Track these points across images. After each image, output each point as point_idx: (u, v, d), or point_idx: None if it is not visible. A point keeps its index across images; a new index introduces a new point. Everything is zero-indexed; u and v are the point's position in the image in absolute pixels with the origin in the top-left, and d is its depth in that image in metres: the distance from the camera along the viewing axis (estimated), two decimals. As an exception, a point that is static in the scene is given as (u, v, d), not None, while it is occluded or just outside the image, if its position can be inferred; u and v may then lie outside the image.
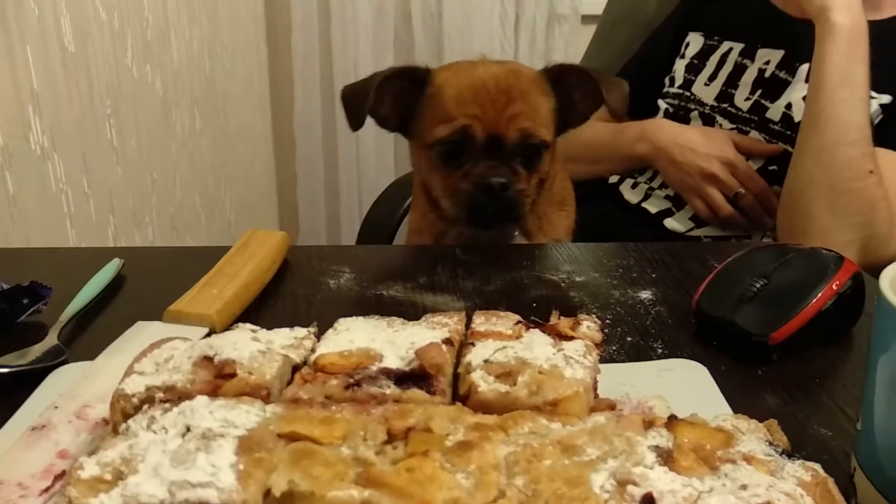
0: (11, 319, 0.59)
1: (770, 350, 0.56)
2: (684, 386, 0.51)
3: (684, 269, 0.73)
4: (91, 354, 0.54)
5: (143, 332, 0.57)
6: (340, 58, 2.08)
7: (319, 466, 0.34)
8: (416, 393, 0.41)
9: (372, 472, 0.34)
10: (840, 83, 0.93)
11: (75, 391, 0.48)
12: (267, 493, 0.33)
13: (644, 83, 1.15)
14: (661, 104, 1.18)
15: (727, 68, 1.12)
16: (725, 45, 1.14)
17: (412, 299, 0.67)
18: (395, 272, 0.72)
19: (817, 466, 0.35)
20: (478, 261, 0.74)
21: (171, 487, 0.32)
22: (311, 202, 2.22)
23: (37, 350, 0.55)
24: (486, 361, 0.42)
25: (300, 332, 0.47)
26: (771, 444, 0.37)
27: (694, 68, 1.16)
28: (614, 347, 0.58)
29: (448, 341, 0.44)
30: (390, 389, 0.41)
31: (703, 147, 1.08)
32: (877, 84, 0.96)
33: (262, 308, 0.65)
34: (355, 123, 0.81)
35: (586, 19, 2.11)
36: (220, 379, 0.41)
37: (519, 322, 0.48)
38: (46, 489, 0.40)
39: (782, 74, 1.07)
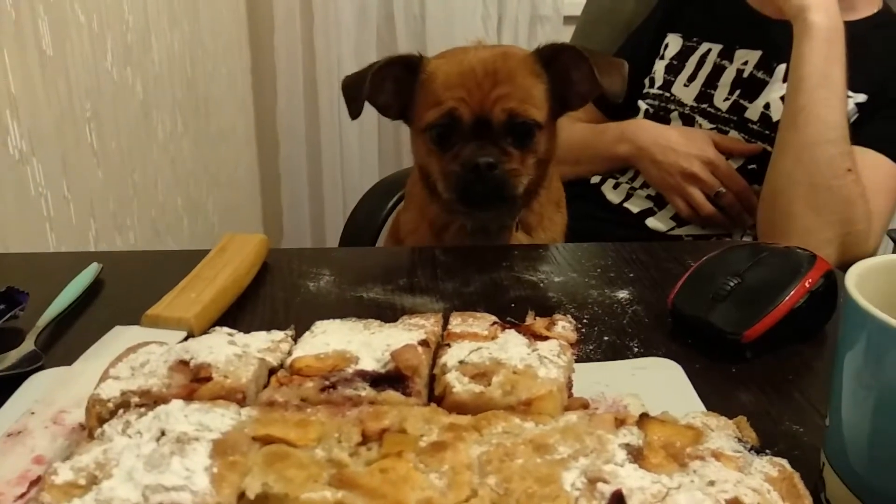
0: (-12, 325, 0.59)
1: (744, 348, 0.57)
2: (658, 384, 0.51)
3: (662, 269, 0.73)
4: (68, 359, 0.54)
5: (121, 337, 0.57)
6: (323, 60, 2.07)
7: (293, 469, 0.34)
8: (391, 395, 0.41)
9: (345, 473, 0.34)
10: (819, 83, 0.94)
11: (52, 397, 0.48)
12: (241, 495, 0.33)
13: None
14: (642, 105, 1.19)
15: (706, 69, 1.13)
16: (704, 47, 1.15)
17: (391, 301, 0.67)
18: (375, 274, 0.72)
19: (784, 462, 0.36)
20: (457, 262, 0.75)
21: (144, 491, 0.32)
22: (295, 204, 2.21)
23: (13, 356, 0.55)
24: (461, 362, 0.43)
25: (277, 335, 0.47)
26: (740, 440, 0.38)
27: (673, 69, 1.17)
28: (591, 346, 0.59)
29: (424, 343, 0.45)
30: (366, 391, 0.41)
31: (684, 147, 1.09)
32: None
33: (242, 311, 0.65)
34: (354, 111, 0.82)
35: (568, 20, 2.11)
36: (195, 383, 0.41)
37: (495, 323, 0.48)
38: (21, 495, 0.40)
39: (760, 74, 1.09)
